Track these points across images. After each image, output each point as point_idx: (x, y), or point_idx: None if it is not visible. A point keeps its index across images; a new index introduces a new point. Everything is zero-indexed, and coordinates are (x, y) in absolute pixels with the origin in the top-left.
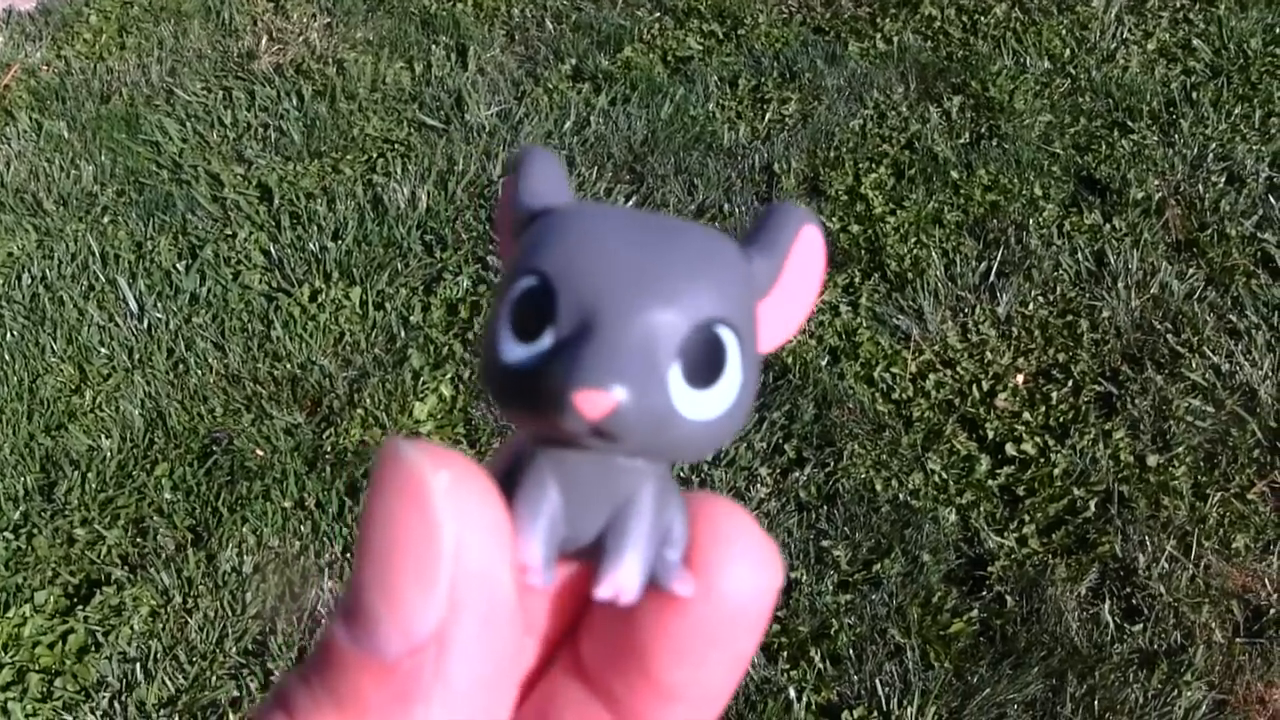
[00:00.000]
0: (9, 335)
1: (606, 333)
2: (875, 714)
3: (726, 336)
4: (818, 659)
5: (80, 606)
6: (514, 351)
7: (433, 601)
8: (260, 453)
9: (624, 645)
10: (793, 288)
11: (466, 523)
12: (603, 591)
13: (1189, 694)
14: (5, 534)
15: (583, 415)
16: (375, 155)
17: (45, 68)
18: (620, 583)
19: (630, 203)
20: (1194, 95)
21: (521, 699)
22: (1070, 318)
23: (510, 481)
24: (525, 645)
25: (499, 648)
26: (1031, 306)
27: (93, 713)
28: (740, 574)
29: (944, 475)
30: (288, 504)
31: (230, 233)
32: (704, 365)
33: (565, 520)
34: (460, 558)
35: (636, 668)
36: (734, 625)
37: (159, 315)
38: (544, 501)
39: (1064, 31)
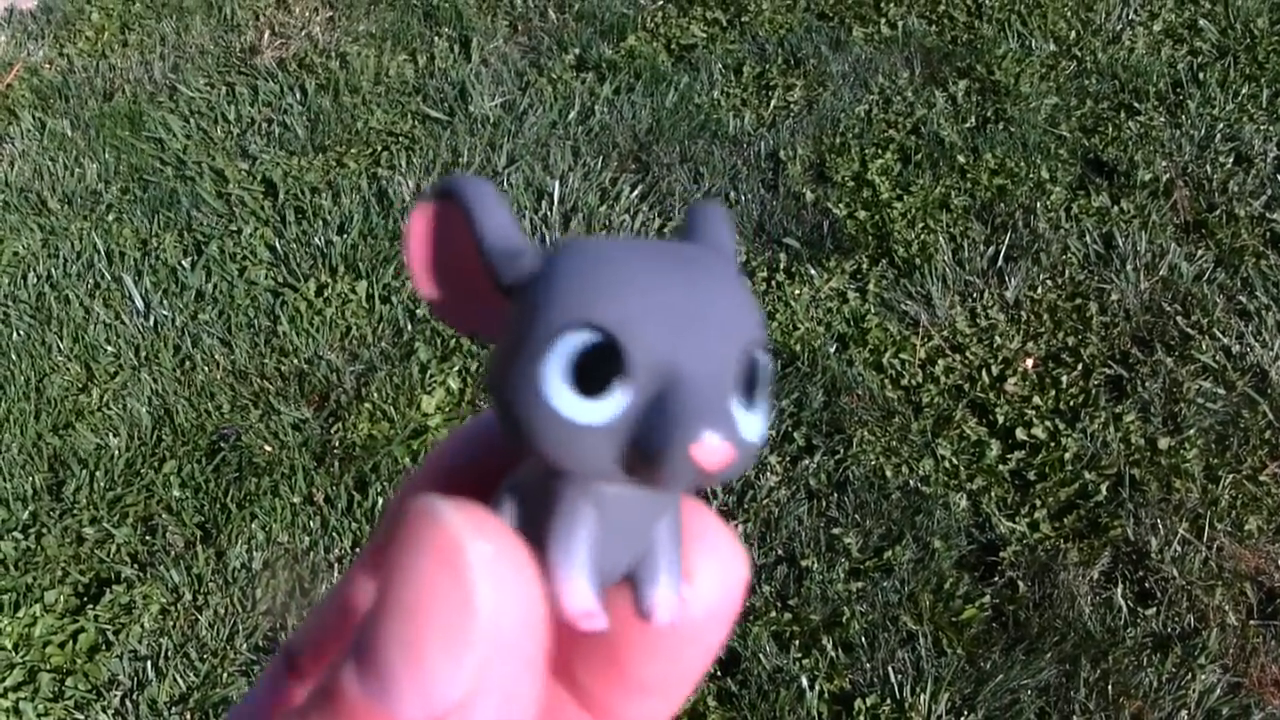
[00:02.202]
0: (15, 335)
1: (692, 381)
2: (888, 702)
3: (760, 356)
4: (830, 647)
5: (90, 605)
6: (582, 409)
7: (462, 673)
8: (268, 448)
9: (594, 640)
10: None
11: (504, 596)
12: (663, 617)
13: (1203, 677)
14: (15, 534)
15: (702, 468)
16: (379, 148)
17: (48, 66)
18: (674, 607)
19: (635, 192)
20: (1201, 76)
21: None
22: (1079, 301)
23: (520, 507)
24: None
25: None
26: (1040, 290)
27: (104, 711)
28: (711, 572)
29: (954, 461)
30: (296, 499)
31: (235, 228)
32: (751, 389)
33: (601, 555)
34: (494, 632)
35: (608, 662)
36: (707, 621)
37: (165, 312)
38: (585, 541)
39: (1069, 13)
